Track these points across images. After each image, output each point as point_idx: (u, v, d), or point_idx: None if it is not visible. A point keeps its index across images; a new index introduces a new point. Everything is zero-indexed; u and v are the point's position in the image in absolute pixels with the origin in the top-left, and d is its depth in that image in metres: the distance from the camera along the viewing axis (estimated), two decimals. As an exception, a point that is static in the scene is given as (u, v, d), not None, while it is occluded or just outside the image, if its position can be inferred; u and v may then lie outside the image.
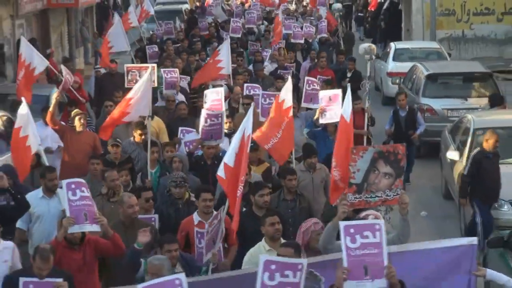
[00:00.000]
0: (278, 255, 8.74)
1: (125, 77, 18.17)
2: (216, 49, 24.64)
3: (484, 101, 20.53)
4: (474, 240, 8.98)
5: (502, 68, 30.53)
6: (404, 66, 25.20)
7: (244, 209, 11.38)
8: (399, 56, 27.87)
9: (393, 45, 29.39)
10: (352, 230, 8.06)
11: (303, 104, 16.72)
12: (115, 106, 15.92)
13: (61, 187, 11.22)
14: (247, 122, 10.47)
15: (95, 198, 11.20)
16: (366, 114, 16.78)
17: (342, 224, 8.08)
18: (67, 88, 17.79)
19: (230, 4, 44.19)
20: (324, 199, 12.56)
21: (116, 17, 23.77)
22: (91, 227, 9.80)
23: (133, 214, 10.57)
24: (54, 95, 16.29)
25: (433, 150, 19.27)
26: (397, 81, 25.36)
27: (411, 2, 37.20)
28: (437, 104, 21.08)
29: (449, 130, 18.27)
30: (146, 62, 22.81)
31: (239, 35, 28.45)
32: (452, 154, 16.83)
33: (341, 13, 38.46)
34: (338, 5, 40.76)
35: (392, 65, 27.32)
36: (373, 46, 20.45)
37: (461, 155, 16.60)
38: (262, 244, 9.92)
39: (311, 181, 12.90)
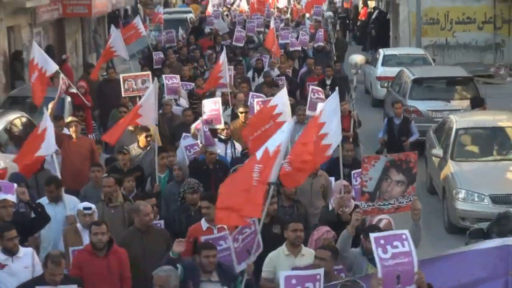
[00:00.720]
0: (316, 256, 8.60)
1: (122, 87, 17.17)
2: (211, 57, 25.32)
3: (466, 103, 20.58)
4: (508, 240, 8.60)
5: (482, 73, 30.49)
6: (392, 71, 25.08)
7: None
8: (387, 61, 27.71)
9: (381, 52, 29.25)
10: (382, 241, 7.88)
11: (308, 112, 15.74)
12: (127, 111, 15.92)
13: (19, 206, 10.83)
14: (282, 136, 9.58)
15: (97, 205, 10.82)
16: (352, 117, 16.48)
17: (372, 235, 7.89)
18: (65, 93, 17.56)
19: (231, 13, 43.79)
20: (322, 203, 12.12)
21: (114, 31, 22.62)
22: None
23: (149, 221, 9.99)
24: (50, 106, 16.06)
25: (418, 148, 19.28)
26: (386, 84, 25.31)
27: (398, 12, 37.18)
28: (423, 106, 21.06)
29: (434, 130, 18.25)
30: (151, 69, 22.17)
31: (242, 44, 27.54)
32: (436, 152, 16.87)
33: (332, 21, 38.46)
34: (330, 13, 40.73)
35: (381, 70, 27.19)
36: (362, 60, 20.39)
37: (445, 153, 16.59)
38: (282, 249, 9.48)
39: (310, 186, 12.24)
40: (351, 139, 15.82)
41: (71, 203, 11.06)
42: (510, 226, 11.47)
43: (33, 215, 10.31)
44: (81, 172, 13.51)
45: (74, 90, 18.05)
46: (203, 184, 12.00)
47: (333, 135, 10.74)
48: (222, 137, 14.55)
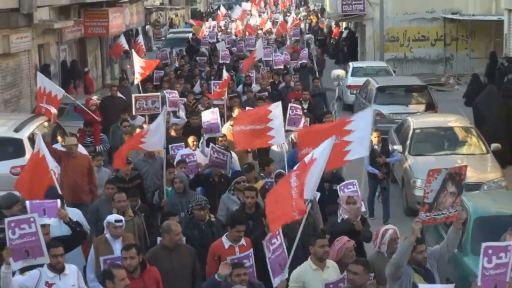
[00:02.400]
0: (349, 271, 7.80)
1: (133, 106, 16.07)
2: (208, 73, 24.60)
3: (421, 107, 20.56)
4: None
5: (434, 82, 30.59)
6: (360, 81, 25.11)
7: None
8: (356, 72, 27.74)
9: (351, 64, 29.30)
10: (490, 251, 7.33)
11: (287, 127, 14.40)
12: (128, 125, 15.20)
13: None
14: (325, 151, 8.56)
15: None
16: None
17: (483, 245, 7.28)
18: (55, 121, 15.73)
19: (226, 30, 43.65)
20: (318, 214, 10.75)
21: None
22: (35, 261, 7.97)
23: (179, 240, 8.90)
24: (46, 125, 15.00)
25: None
26: (354, 92, 25.30)
27: (365, 31, 37.25)
28: (385, 110, 21.08)
29: (395, 129, 18.26)
30: (152, 84, 21.76)
31: (228, 61, 26.21)
32: (396, 148, 16.86)
33: (310, 42, 38.42)
34: (309, 35, 40.73)
35: (350, 80, 27.17)
36: (342, 74, 20.09)
37: (404, 148, 16.51)
38: (309, 264, 8.47)
39: None
40: None
41: (75, 216, 9.77)
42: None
43: (63, 230, 9.18)
44: (80, 187, 12.40)
45: (83, 107, 17.07)
46: (208, 195, 11.21)
47: (356, 145, 9.95)
48: (217, 146, 13.23)
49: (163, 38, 44.83)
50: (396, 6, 34.93)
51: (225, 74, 18.28)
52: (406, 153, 16.36)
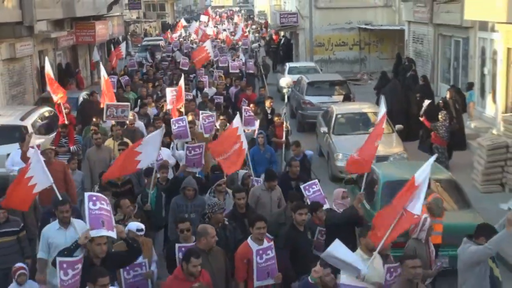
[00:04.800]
0: (410, 266, 6.53)
1: (104, 113, 14.25)
2: (171, 76, 22.87)
3: (341, 97, 20.68)
4: None
5: (352, 78, 30.79)
6: (294, 77, 25.10)
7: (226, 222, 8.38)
8: (291, 71, 27.66)
9: (288, 64, 29.24)
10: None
11: (244, 127, 12.74)
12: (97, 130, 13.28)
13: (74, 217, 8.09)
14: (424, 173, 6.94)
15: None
16: (284, 128, 14.16)
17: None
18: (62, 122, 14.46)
19: (189, 39, 43.14)
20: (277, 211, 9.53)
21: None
22: (107, 233, 6.67)
23: (214, 243, 7.24)
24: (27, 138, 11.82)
25: (312, 127, 19.42)
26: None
27: (298, 38, 37.33)
28: (314, 100, 21.05)
29: (321, 115, 18.25)
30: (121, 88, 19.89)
31: (187, 68, 24.48)
32: (323, 129, 16.99)
33: (258, 50, 38.28)
34: (255, 45, 40.50)
35: (287, 77, 27.12)
36: (290, 82, 19.59)
37: (328, 129, 16.50)
38: (360, 254, 7.12)
39: (270, 198, 9.65)
40: (283, 145, 14.00)
41: (81, 226, 7.75)
42: (369, 176, 11.55)
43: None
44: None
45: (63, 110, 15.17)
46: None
47: (415, 203, 6.93)
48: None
49: (139, 45, 44.35)
50: (322, 19, 34.94)
51: (181, 82, 15.67)
52: (330, 133, 16.32)
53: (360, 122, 17.00)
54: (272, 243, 7.26)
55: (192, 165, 10.72)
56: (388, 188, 10.58)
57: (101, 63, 21.82)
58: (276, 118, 14.62)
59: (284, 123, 14.34)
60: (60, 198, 7.99)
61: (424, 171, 6.90)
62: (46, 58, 17.41)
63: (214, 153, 10.83)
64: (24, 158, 10.60)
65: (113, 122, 14.12)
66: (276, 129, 14.32)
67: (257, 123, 14.14)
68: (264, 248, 7.09)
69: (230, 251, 7.77)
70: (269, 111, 16.15)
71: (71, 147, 13.27)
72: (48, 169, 7.88)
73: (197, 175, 10.86)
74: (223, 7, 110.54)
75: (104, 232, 6.62)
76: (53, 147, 11.82)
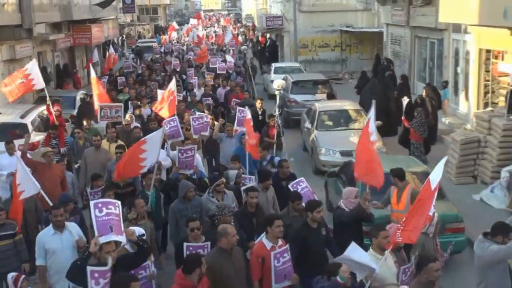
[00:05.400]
0: (435, 270, 6.20)
1: (98, 114, 13.71)
2: (163, 78, 21.94)
3: (324, 96, 20.72)
4: None
5: (334, 77, 30.79)
6: (280, 76, 25.13)
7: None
8: (277, 70, 27.65)
9: (273, 65, 29.22)
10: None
11: (236, 127, 12.90)
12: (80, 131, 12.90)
13: (68, 221, 7.81)
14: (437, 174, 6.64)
15: (124, 223, 7.20)
16: (276, 129, 13.84)
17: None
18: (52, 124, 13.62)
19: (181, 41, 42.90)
20: (272, 211, 9.21)
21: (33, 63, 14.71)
22: (116, 237, 6.19)
23: (235, 242, 6.80)
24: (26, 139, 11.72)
25: (297, 123, 19.44)
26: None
27: (283, 40, 37.26)
28: (299, 98, 21.03)
29: (305, 112, 18.29)
30: (116, 88, 19.41)
31: (178, 69, 24.29)
32: (307, 125, 17.01)
33: (246, 52, 38.18)
34: (244, 47, 40.43)
35: (273, 76, 27.16)
36: (283, 84, 19.35)
37: (312, 126, 16.54)
38: (373, 254, 6.80)
39: (266, 198, 9.28)
40: (274, 145, 13.62)
41: (75, 229, 7.65)
42: (350, 169, 11.63)
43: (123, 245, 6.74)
44: (54, 195, 9.21)
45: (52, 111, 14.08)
46: (174, 195, 9.63)
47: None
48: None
49: (133, 47, 44.16)
50: (306, 22, 34.95)
51: (173, 83, 14.58)
52: (314, 129, 16.29)
53: (342, 119, 16.99)
54: (287, 245, 6.98)
55: (185, 167, 10.37)
56: (368, 180, 10.63)
57: (90, 64, 21.49)
58: (270, 120, 14.20)
59: (277, 124, 14.03)
60: (51, 204, 7.54)
61: (437, 174, 6.63)
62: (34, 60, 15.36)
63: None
64: (24, 158, 10.30)
65: (106, 123, 13.63)
66: (269, 129, 14.01)
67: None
68: (281, 251, 6.85)
69: None
70: (260, 112, 15.75)
71: (61, 149, 12.84)
72: (48, 173, 7.66)
73: (194, 176, 10.47)
74: (212, 10, 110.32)
75: (113, 237, 6.19)
76: (53, 150, 11.43)
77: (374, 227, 7.19)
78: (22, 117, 14.74)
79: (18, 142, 12.01)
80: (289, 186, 9.36)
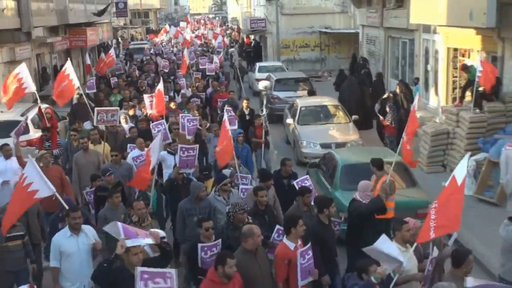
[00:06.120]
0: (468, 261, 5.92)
1: (95, 118, 12.86)
2: (155, 79, 21.43)
3: (305, 92, 20.75)
4: None
5: (314, 75, 30.80)
6: (264, 75, 25.14)
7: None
8: (261, 69, 27.57)
9: (258, 64, 29.13)
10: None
11: (229, 127, 12.06)
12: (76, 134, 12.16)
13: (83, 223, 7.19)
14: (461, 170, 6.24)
15: (130, 225, 7.11)
16: (263, 128, 13.36)
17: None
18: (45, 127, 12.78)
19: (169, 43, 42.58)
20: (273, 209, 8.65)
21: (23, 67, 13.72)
22: (144, 241, 5.87)
23: (260, 242, 6.41)
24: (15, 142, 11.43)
25: (280, 118, 19.43)
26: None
27: (267, 41, 37.25)
28: (282, 94, 21.01)
29: (288, 108, 18.30)
30: (110, 88, 18.89)
31: (167, 70, 23.77)
32: (289, 120, 17.00)
33: (233, 54, 38.05)
34: (232, 49, 40.16)
35: (257, 74, 27.14)
36: (268, 85, 19.10)
37: (294, 120, 16.40)
38: (397, 247, 6.24)
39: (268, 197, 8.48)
40: (263, 145, 13.27)
41: (91, 231, 7.12)
42: (330, 160, 11.64)
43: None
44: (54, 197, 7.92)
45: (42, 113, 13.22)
46: (174, 199, 9.12)
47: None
48: (171, 150, 10.98)
49: (126, 48, 43.86)
50: (287, 24, 34.96)
51: (161, 85, 14.33)
52: (296, 123, 16.30)
53: (321, 114, 17.01)
54: (310, 243, 6.63)
55: (185, 166, 9.79)
56: (346, 170, 10.67)
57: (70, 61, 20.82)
58: (257, 120, 13.75)
59: (263, 123, 13.62)
60: (67, 207, 7.07)
61: (462, 169, 6.24)
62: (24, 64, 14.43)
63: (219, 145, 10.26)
64: (21, 162, 9.85)
65: (96, 126, 12.94)
66: (256, 129, 13.69)
67: (237, 122, 13.41)
68: (306, 249, 6.55)
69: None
70: (247, 112, 15.32)
71: (54, 151, 12.21)
72: (46, 174, 7.06)
73: (191, 176, 9.96)
74: (200, 14, 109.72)
75: (141, 241, 5.76)
76: (50, 152, 10.92)
77: (396, 220, 6.89)
78: (23, 115, 14.55)
79: (22, 138, 11.82)
80: (294, 183, 9.07)
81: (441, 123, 15.28)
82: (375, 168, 9.12)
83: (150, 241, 5.97)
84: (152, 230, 6.15)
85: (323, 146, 14.77)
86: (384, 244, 5.88)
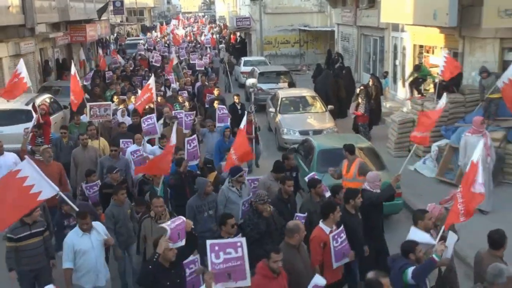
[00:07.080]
0: (496, 256, 5.56)
1: (88, 113, 12.23)
2: (146, 74, 20.66)
3: (286, 84, 20.73)
4: None
5: (294, 69, 30.75)
6: (248, 68, 25.08)
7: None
8: (246, 63, 27.52)
9: (243, 59, 29.05)
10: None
11: (218, 124, 12.35)
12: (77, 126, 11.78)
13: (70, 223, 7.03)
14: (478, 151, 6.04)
15: (145, 219, 7.09)
16: (254, 124, 12.53)
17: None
18: (38, 123, 11.84)
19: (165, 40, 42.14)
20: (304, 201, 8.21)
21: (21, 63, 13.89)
22: (182, 242, 5.53)
23: (303, 238, 6.09)
24: (25, 135, 10.93)
25: (263, 108, 19.39)
26: (245, 76, 25.24)
27: (251, 38, 37.11)
28: (265, 86, 20.88)
29: (270, 98, 18.24)
30: (105, 82, 18.17)
31: (159, 64, 23.30)
32: (271, 110, 16.99)
33: (222, 49, 37.78)
34: (222, 46, 39.92)
35: (243, 68, 26.99)
36: (256, 82, 18.78)
37: (275, 110, 16.43)
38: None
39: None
40: (253, 140, 12.39)
41: (100, 227, 6.74)
42: (308, 145, 11.67)
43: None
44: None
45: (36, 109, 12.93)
46: (178, 190, 8.61)
47: (476, 183, 6.04)
48: (162, 146, 10.29)
49: (122, 44, 43.41)
50: (270, 22, 34.79)
51: (152, 79, 13.60)
52: (277, 112, 16.26)
53: (300, 104, 16.98)
54: (342, 226, 6.40)
55: (192, 158, 9.23)
56: (322, 155, 10.71)
57: (73, 61, 20.50)
58: (248, 116, 13.10)
59: (253, 119, 12.69)
60: (72, 205, 6.65)
61: (477, 153, 5.98)
62: (21, 60, 14.16)
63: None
64: (23, 155, 9.27)
65: (90, 121, 12.24)
66: (246, 125, 13.50)
67: (229, 119, 12.94)
68: (338, 232, 6.32)
69: (278, 236, 6.70)
70: (239, 107, 14.74)
71: (46, 145, 11.12)
72: (46, 170, 6.62)
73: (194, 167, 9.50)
74: (190, 12, 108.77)
75: (180, 244, 5.49)
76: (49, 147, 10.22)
77: (418, 210, 6.57)
78: (27, 104, 14.32)
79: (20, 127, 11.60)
80: (305, 178, 8.50)
81: (408, 113, 15.38)
82: (347, 152, 9.15)
83: (184, 241, 5.59)
84: (188, 220, 5.80)
85: (302, 133, 14.73)
86: (416, 235, 5.77)
